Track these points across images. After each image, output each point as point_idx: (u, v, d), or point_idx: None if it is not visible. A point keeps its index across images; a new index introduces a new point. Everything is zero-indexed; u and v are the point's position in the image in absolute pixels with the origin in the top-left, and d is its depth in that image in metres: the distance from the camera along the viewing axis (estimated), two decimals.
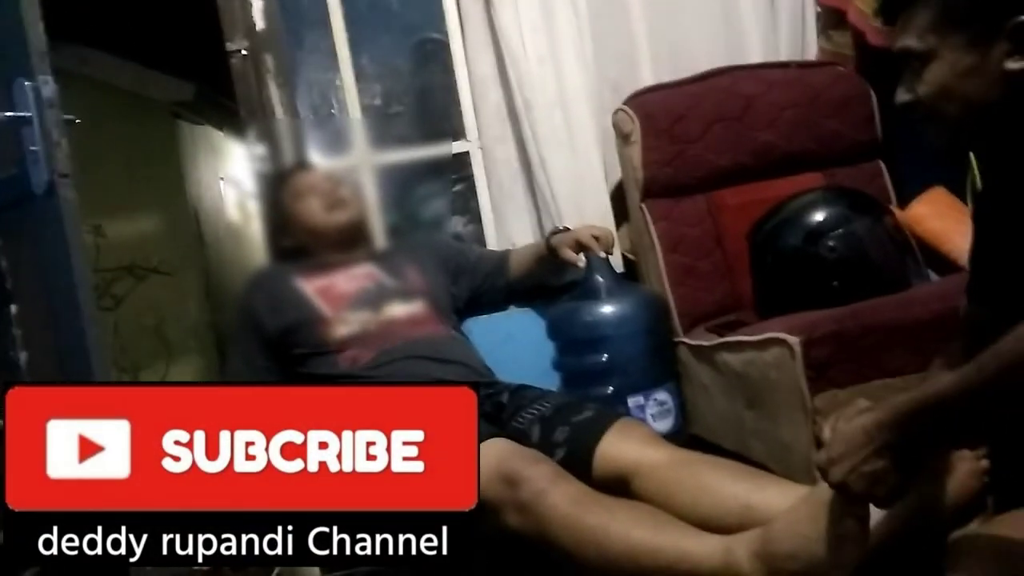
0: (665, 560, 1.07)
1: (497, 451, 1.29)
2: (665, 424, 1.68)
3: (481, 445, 1.29)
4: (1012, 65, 0.84)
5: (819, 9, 2.12)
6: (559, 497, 1.17)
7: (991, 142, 0.90)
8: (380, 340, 1.62)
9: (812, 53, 2.13)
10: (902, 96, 0.93)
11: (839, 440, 0.85)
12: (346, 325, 1.64)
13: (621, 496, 1.23)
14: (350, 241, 1.76)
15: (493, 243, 2.12)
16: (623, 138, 1.95)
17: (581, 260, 1.76)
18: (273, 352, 1.67)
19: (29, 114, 1.40)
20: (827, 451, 0.86)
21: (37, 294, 1.59)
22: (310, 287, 1.70)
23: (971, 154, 1.76)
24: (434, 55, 2.25)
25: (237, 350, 1.74)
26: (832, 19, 2.08)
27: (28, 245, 1.56)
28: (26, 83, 1.39)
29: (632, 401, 1.67)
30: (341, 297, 1.68)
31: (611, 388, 1.68)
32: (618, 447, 1.34)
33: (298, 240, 1.77)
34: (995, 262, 0.91)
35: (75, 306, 1.46)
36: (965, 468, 1.05)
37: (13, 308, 1.59)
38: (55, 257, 1.47)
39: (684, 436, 1.72)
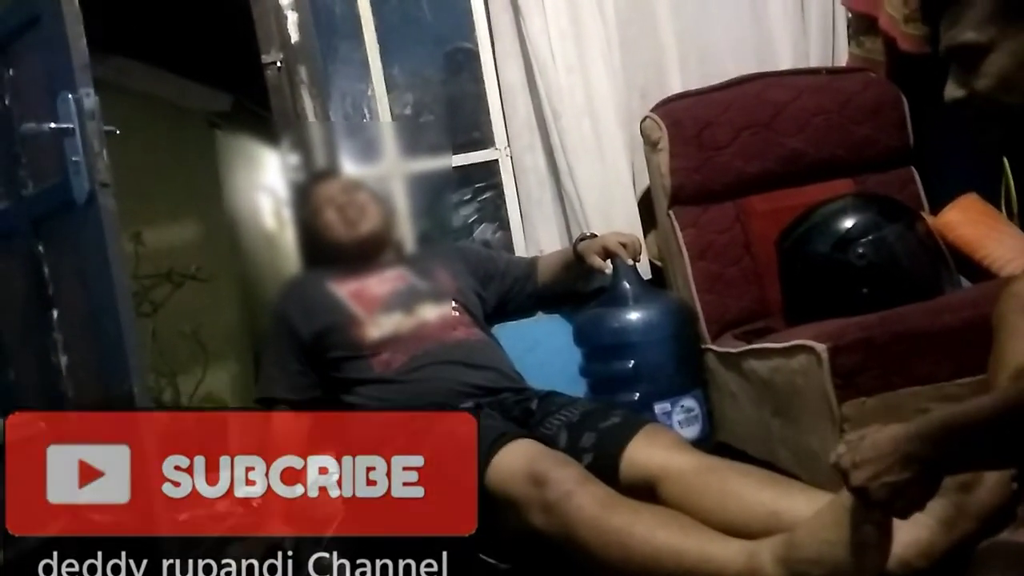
0: (689, 563, 1.07)
1: (526, 451, 1.30)
2: (692, 431, 1.68)
3: (510, 444, 1.31)
4: None
5: (849, 15, 2.11)
6: (585, 498, 1.18)
7: None
8: (413, 344, 1.63)
9: (842, 59, 2.12)
10: (954, 92, 0.90)
11: (868, 445, 0.84)
12: (379, 327, 1.66)
13: (647, 501, 1.24)
14: (372, 250, 1.78)
15: (521, 250, 2.14)
16: (651, 145, 1.95)
17: (608, 266, 1.77)
18: (307, 357, 1.70)
19: (71, 126, 1.45)
20: (852, 454, 0.86)
21: (77, 300, 1.64)
22: (343, 291, 1.72)
23: (1005, 159, 1.75)
24: (464, 65, 2.28)
25: (272, 356, 1.77)
26: (863, 25, 2.06)
27: (69, 252, 1.61)
28: (69, 95, 1.44)
29: (659, 408, 1.68)
30: (374, 299, 1.70)
31: (638, 395, 1.69)
32: (645, 452, 1.34)
33: (324, 249, 1.80)
34: None
35: (114, 312, 1.51)
36: (994, 477, 1.03)
37: (54, 313, 1.65)
38: (95, 264, 1.52)
39: (711, 443, 1.71)
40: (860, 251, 1.56)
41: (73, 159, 1.46)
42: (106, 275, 1.50)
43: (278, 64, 2.08)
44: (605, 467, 1.34)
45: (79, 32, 1.44)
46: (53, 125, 1.46)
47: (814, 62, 2.10)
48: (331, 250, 1.78)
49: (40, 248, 1.67)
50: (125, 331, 1.50)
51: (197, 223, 4.87)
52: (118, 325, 1.49)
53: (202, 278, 4.01)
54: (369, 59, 2.18)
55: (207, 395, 3.96)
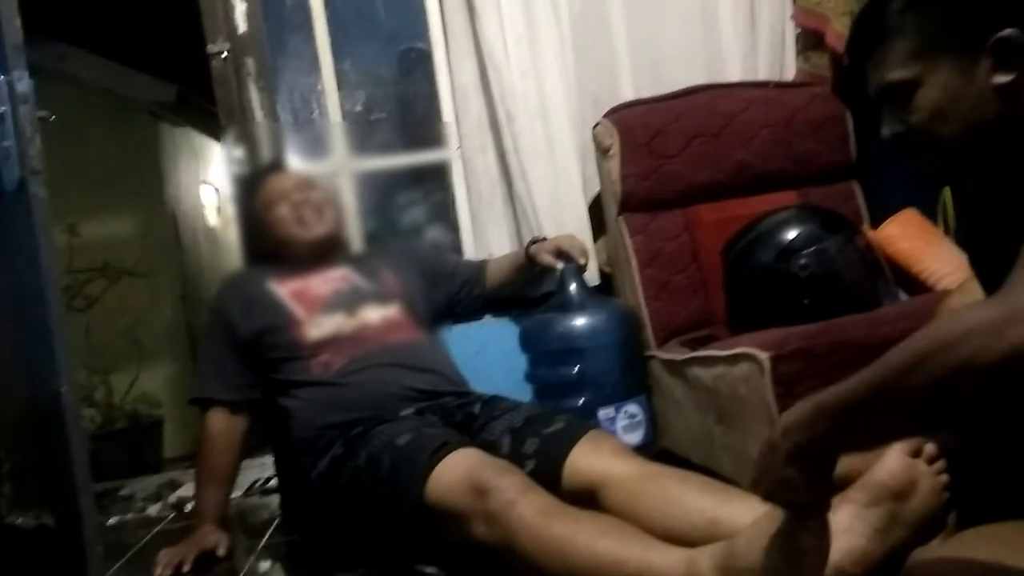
0: (629, 571, 1.07)
1: (467, 461, 1.28)
2: (635, 437, 1.68)
3: (451, 454, 1.29)
4: (1000, 79, 0.85)
5: (798, 30, 2.15)
6: (527, 507, 1.17)
7: (989, 159, 0.90)
8: (354, 346, 1.60)
9: (791, 73, 2.16)
10: (891, 128, 0.93)
11: (758, 458, 0.85)
12: (319, 328, 1.63)
13: (589, 508, 1.23)
14: (322, 250, 1.74)
15: (471, 252, 2.12)
16: (602, 151, 1.96)
17: (559, 264, 1.76)
18: (245, 357, 1.66)
19: (2, 109, 1.38)
20: (753, 472, 0.87)
21: (4, 291, 1.56)
22: (284, 290, 1.68)
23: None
24: (417, 64, 2.26)
25: (207, 354, 1.72)
26: (810, 40, 2.11)
27: None
28: (1, 77, 1.37)
29: (603, 413, 1.68)
30: (315, 300, 1.67)
31: (582, 400, 1.69)
32: (587, 459, 1.34)
33: (271, 246, 1.76)
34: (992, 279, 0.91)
35: (42, 306, 1.44)
36: (926, 485, 1.05)
37: None
38: (23, 255, 1.45)
39: (654, 449, 1.72)
40: (802, 262, 1.59)
41: (3, 144, 1.38)
42: (35, 267, 1.43)
43: (224, 54, 2.03)
44: (548, 473, 1.33)
45: (13, 11, 1.38)
46: None
47: (763, 75, 2.14)
48: (280, 247, 1.74)
49: None
50: (53, 326, 1.44)
51: (136, 216, 4.73)
52: (46, 319, 1.42)
53: (139, 273, 3.90)
54: (319, 54, 2.14)
55: (141, 395, 3.85)
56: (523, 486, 1.21)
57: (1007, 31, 0.83)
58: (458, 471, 1.26)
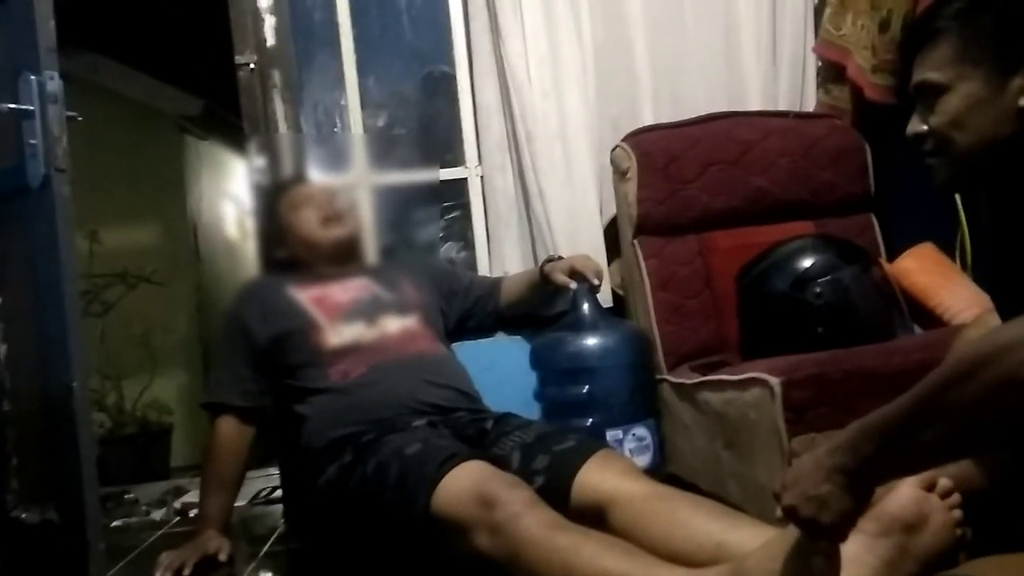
0: None
1: (475, 472, 1.28)
2: (643, 460, 1.67)
3: (460, 466, 1.29)
4: None
5: (819, 63, 2.16)
6: (532, 520, 1.17)
7: (1000, 178, 0.91)
8: (373, 355, 1.61)
9: (810, 105, 2.17)
10: (914, 127, 0.95)
11: (794, 467, 0.85)
12: (339, 335, 1.63)
13: (597, 528, 1.22)
14: (345, 255, 1.76)
15: (486, 270, 2.13)
16: (620, 174, 1.97)
17: (573, 284, 1.77)
18: (261, 362, 1.66)
19: (32, 107, 1.41)
20: (783, 478, 0.87)
21: (24, 288, 1.59)
22: (304, 296, 1.69)
23: (961, 210, 1.79)
24: (440, 83, 2.29)
25: (223, 359, 1.73)
26: (831, 73, 2.12)
27: (20, 238, 1.56)
28: (32, 77, 1.40)
29: (611, 435, 1.67)
30: (336, 307, 1.68)
31: (591, 420, 1.68)
32: (597, 477, 1.33)
33: (293, 251, 1.77)
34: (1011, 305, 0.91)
35: (60, 303, 1.46)
36: (938, 520, 1.04)
37: None
38: (45, 252, 1.48)
39: (662, 473, 1.71)
40: (817, 290, 1.58)
41: (31, 142, 1.42)
42: (55, 263, 1.46)
43: (251, 66, 2.06)
44: (557, 490, 1.33)
45: (48, 13, 1.41)
46: (12, 106, 1.42)
47: (783, 106, 2.15)
48: (302, 250, 1.76)
49: None
50: (70, 323, 1.46)
51: (158, 226, 4.78)
52: (63, 315, 1.44)
53: (157, 281, 3.93)
54: (345, 70, 2.18)
55: (152, 401, 3.86)
56: (530, 500, 1.21)
57: None
58: (466, 482, 1.26)
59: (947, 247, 1.90)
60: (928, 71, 0.93)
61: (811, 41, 2.16)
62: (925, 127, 0.94)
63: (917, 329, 1.75)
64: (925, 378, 0.74)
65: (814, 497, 0.82)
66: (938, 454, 0.83)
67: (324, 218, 1.75)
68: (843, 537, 0.87)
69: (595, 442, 1.47)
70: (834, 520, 0.83)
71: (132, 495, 2.37)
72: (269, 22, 2.08)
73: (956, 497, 1.04)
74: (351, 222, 1.79)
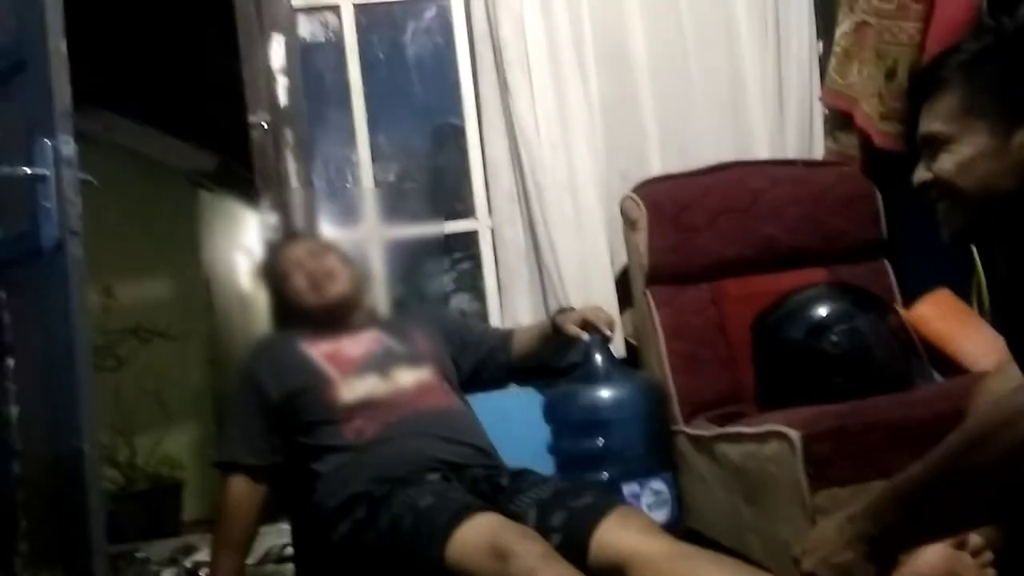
0: None
1: (489, 524, 1.26)
2: (661, 515, 1.63)
3: (473, 517, 1.27)
4: None
5: (826, 112, 2.17)
6: (548, 574, 1.14)
7: (1006, 228, 0.90)
8: (387, 411, 1.59)
9: (818, 153, 2.17)
10: (920, 175, 0.95)
11: (816, 532, 0.84)
12: (352, 391, 1.61)
13: None
14: (344, 312, 1.74)
15: (497, 321, 2.12)
16: (630, 224, 1.97)
17: (585, 335, 1.75)
18: (275, 420, 1.64)
19: (46, 172, 1.43)
20: (803, 543, 0.85)
21: (36, 350, 1.59)
22: (316, 352, 1.68)
23: (976, 255, 1.77)
24: (449, 137, 2.31)
25: (235, 417, 1.71)
26: (839, 121, 2.12)
27: (33, 300, 1.57)
28: (47, 141, 1.43)
29: (627, 489, 1.63)
30: (348, 361, 1.66)
31: (606, 474, 1.65)
32: (616, 534, 1.30)
33: (296, 312, 1.77)
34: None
35: (71, 365, 1.46)
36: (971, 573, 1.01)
37: (10, 362, 1.59)
38: (57, 314, 1.48)
39: (681, 528, 1.67)
40: (834, 339, 1.57)
41: (44, 205, 1.43)
42: (67, 325, 1.46)
43: (264, 125, 2.09)
44: (574, 547, 1.30)
45: (64, 79, 1.44)
46: (28, 170, 1.44)
47: (791, 154, 2.15)
48: (301, 313, 1.75)
49: (2, 294, 1.63)
50: (80, 385, 1.45)
51: (171, 280, 4.82)
52: (74, 378, 1.44)
53: (171, 336, 3.95)
54: (356, 127, 2.21)
55: (164, 457, 3.84)
56: (545, 553, 1.20)
57: None
58: (480, 534, 1.24)
59: (963, 292, 1.88)
60: (933, 122, 0.93)
61: (817, 90, 2.17)
62: (930, 175, 0.94)
63: (937, 376, 1.72)
64: (944, 441, 0.73)
65: (835, 565, 0.80)
66: (961, 520, 0.82)
67: (312, 283, 1.73)
68: None
69: (613, 498, 1.45)
70: None
71: (143, 554, 2.35)
72: (282, 82, 2.12)
73: (988, 555, 1.00)
74: (341, 281, 1.74)
